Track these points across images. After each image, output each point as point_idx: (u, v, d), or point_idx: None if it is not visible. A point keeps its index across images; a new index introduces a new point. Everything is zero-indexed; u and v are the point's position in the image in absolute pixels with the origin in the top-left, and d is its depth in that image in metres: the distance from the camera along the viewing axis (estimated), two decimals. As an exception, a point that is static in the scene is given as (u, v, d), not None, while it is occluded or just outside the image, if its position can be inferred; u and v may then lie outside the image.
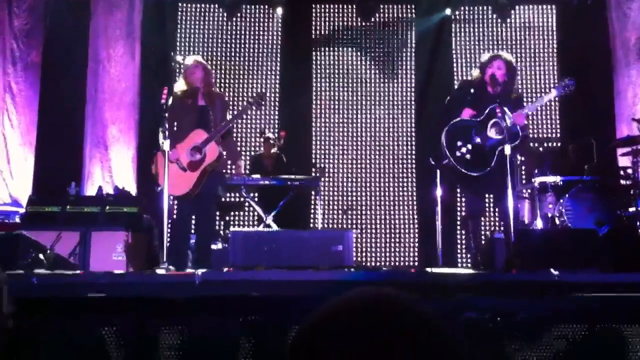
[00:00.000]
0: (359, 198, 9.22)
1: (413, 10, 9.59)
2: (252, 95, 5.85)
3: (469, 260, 8.31)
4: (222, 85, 9.32)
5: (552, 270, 3.73)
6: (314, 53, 9.56)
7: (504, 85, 5.18)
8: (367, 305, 0.93)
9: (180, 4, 9.44)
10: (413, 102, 9.43)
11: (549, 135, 9.26)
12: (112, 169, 8.06)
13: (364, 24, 9.60)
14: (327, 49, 9.60)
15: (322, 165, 8.93)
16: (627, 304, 3.42)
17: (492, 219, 8.47)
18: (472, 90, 5.23)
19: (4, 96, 7.68)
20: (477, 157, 5.04)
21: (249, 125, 9.31)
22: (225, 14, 9.42)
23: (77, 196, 6.63)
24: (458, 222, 8.91)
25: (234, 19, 9.45)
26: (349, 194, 9.23)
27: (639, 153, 6.40)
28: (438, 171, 5.56)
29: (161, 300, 3.35)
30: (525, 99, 6.09)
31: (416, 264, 8.96)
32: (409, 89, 9.48)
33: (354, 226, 8.97)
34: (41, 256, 4.19)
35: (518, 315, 3.36)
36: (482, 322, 3.30)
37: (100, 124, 8.18)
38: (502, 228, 6.07)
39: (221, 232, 7.90)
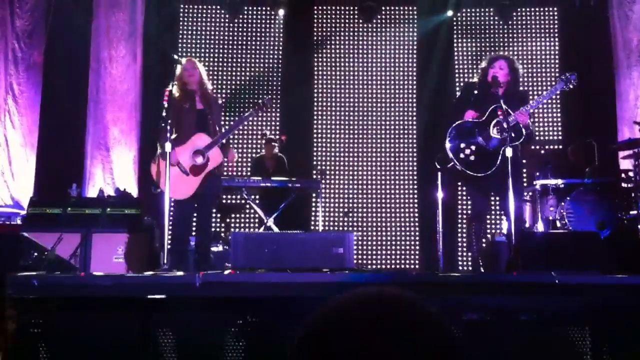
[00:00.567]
0: (360, 200, 9.21)
1: (414, 12, 9.59)
2: (257, 101, 5.78)
3: (469, 263, 8.33)
4: (223, 86, 9.34)
5: (553, 272, 3.72)
6: (315, 55, 9.57)
7: (507, 84, 5.19)
8: (371, 303, 0.93)
9: (182, 5, 9.45)
10: (414, 104, 9.43)
11: (551, 137, 9.25)
12: (113, 170, 8.07)
13: (365, 25, 9.61)
14: (328, 50, 9.60)
15: (323, 167, 8.93)
16: (628, 306, 3.41)
17: (495, 221, 8.46)
18: (475, 92, 5.22)
19: (6, 97, 7.68)
20: (481, 158, 5.04)
21: (250, 127, 9.31)
22: (227, 16, 9.43)
23: (79, 198, 6.64)
24: (459, 225, 8.91)
25: (236, 20, 9.46)
26: (350, 196, 9.23)
27: (640, 155, 6.40)
28: (439, 173, 5.55)
29: (162, 302, 3.35)
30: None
31: (417, 266, 8.96)
32: (410, 91, 9.48)
33: (355, 228, 8.97)
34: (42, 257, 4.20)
35: (519, 316, 3.35)
36: (483, 323, 3.30)
37: (101, 125, 8.19)
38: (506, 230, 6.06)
39: (222, 234, 7.90)
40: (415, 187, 9.19)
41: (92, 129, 8.20)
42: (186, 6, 9.47)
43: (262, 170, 7.86)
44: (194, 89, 5.43)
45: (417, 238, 9.06)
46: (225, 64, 9.43)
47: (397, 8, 9.64)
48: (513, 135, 4.90)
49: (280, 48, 9.49)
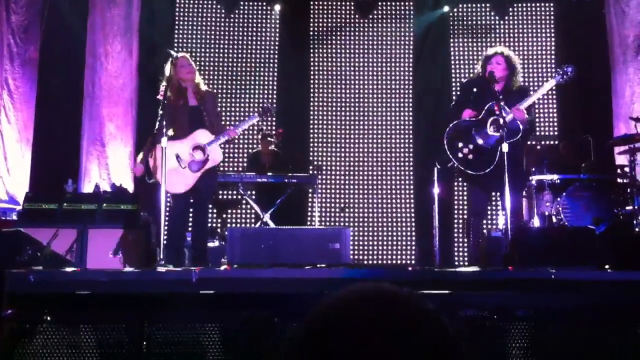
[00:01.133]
0: (356, 196, 9.22)
1: (411, 7, 9.58)
2: (263, 105, 5.80)
3: (466, 259, 8.34)
4: (219, 81, 9.32)
5: (548, 267, 3.74)
6: (311, 50, 9.56)
7: (505, 79, 5.19)
8: (369, 300, 0.93)
9: (178, 1, 9.42)
10: (411, 99, 9.43)
11: (547, 133, 9.26)
12: (109, 166, 8.05)
13: (362, 20, 9.60)
14: (325, 45, 9.59)
15: (320, 163, 8.93)
16: (623, 302, 3.42)
17: (492, 216, 8.47)
18: (474, 90, 5.21)
19: (1, 92, 7.65)
20: (479, 156, 5.05)
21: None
22: (223, 10, 9.41)
23: (74, 193, 6.63)
24: (455, 221, 8.92)
25: (232, 15, 9.44)
26: (347, 191, 9.23)
27: (636, 151, 6.42)
28: (435, 170, 5.56)
29: (158, 297, 3.35)
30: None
31: (413, 261, 8.97)
32: (407, 86, 9.47)
33: (352, 224, 8.98)
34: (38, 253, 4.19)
35: (516, 312, 3.36)
36: (480, 319, 3.31)
37: (97, 121, 8.17)
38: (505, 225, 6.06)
39: (218, 229, 7.90)
40: (412, 182, 9.20)
41: (88, 125, 8.18)
42: (182, 1, 9.44)
43: (258, 165, 7.85)
44: (187, 86, 5.41)
45: (414, 233, 9.07)
46: (221, 59, 9.40)
47: (393, 3, 9.63)
48: (510, 131, 4.90)
49: (277, 43, 9.47)
